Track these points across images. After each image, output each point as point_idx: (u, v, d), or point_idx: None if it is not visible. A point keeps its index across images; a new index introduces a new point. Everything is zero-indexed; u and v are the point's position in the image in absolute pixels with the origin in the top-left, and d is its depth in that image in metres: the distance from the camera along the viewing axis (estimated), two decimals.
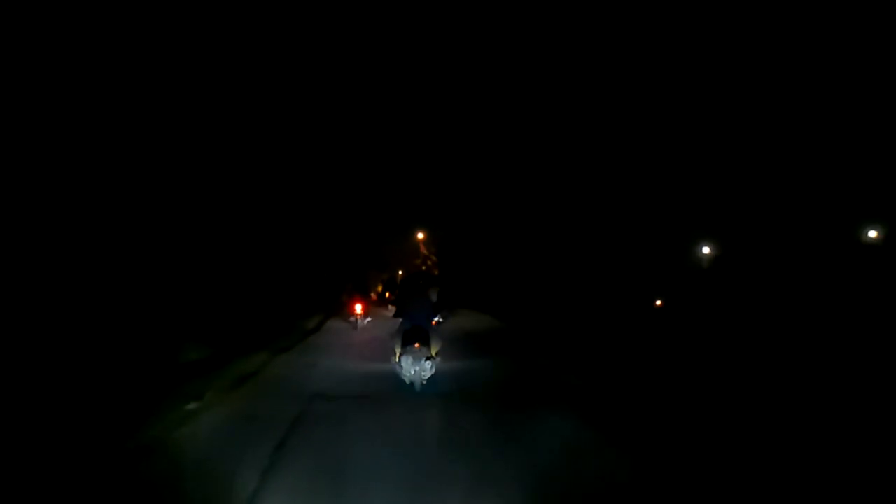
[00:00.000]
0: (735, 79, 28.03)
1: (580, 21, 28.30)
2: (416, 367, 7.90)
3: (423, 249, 40.39)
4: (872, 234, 24.39)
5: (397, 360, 8.26)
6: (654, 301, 20.92)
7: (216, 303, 13.02)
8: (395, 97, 31.34)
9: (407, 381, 8.08)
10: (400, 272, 31.00)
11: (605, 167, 29.47)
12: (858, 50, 25.32)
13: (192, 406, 6.73)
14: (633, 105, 28.97)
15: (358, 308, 15.50)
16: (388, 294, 22.07)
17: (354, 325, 15.42)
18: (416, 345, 8.01)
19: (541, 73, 28.92)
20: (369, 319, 15.88)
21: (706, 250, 35.20)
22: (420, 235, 40.02)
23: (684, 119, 29.15)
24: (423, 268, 38.21)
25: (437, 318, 10.95)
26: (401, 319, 8.65)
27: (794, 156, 28.15)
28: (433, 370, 8.11)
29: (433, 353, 8.24)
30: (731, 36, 27.58)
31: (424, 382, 8.02)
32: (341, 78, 26.70)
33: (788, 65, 27.12)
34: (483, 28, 29.46)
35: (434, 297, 9.42)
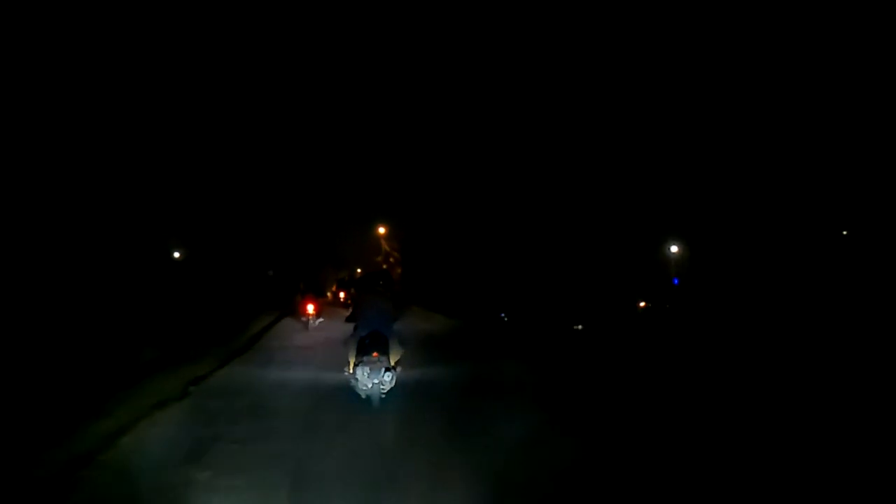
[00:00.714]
0: (704, 83, 28.18)
1: (554, 20, 27.93)
2: (374, 380, 7.04)
3: (385, 245, 38.23)
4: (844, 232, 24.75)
5: (351, 371, 7.40)
6: (638, 302, 20.85)
7: (131, 310, 11.31)
8: (357, 80, 29.99)
9: (363, 396, 7.23)
10: (359, 270, 29.50)
11: (574, 165, 29.15)
12: (827, 55, 25.81)
13: None
14: (601, 104, 28.76)
15: (310, 308, 15.45)
16: (342, 294, 21.03)
17: (306, 326, 15.32)
18: (374, 354, 7.13)
19: (514, 68, 28.30)
20: (322, 319, 15.73)
21: (674, 249, 35.38)
22: (381, 230, 37.42)
23: (651, 119, 29.15)
24: (385, 266, 36.70)
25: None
26: (354, 324, 7.77)
27: (762, 157, 28.52)
28: (393, 382, 7.24)
29: (393, 364, 7.41)
30: (703, 41, 27.71)
31: (383, 396, 7.19)
32: (293, 57, 25.12)
33: (760, 69, 27.43)
34: (456, 17, 28.71)
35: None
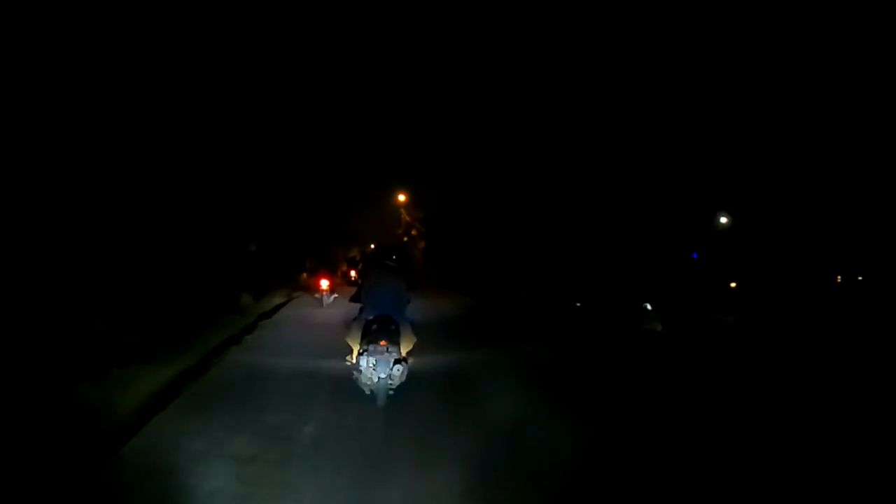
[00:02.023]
0: (751, 58, 26.52)
1: None
2: (381, 374, 6.25)
3: (406, 216, 36.12)
4: None
5: (354, 361, 6.61)
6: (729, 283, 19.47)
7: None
8: (373, 24, 27.70)
9: (366, 391, 6.46)
10: (372, 246, 27.69)
11: (614, 134, 27.61)
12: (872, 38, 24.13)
13: None
14: (645, 75, 27.08)
15: (324, 284, 15.58)
16: (353, 273, 19.95)
17: (321, 303, 15.48)
18: (382, 342, 6.33)
19: (554, 31, 26.37)
20: (336, 296, 15.69)
21: (724, 220, 33.83)
22: (402, 198, 34.61)
23: (699, 89, 27.48)
24: (406, 239, 35.26)
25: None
26: (360, 305, 6.95)
27: (821, 126, 26.89)
28: (404, 377, 6.46)
29: (404, 354, 6.60)
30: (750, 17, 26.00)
31: (391, 392, 6.39)
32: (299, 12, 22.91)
33: (805, 50, 25.72)
34: None
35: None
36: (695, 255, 29.69)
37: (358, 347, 6.56)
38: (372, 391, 6.37)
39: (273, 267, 18.47)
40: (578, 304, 16.75)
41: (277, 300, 16.16)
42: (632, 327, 11.69)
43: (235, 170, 16.56)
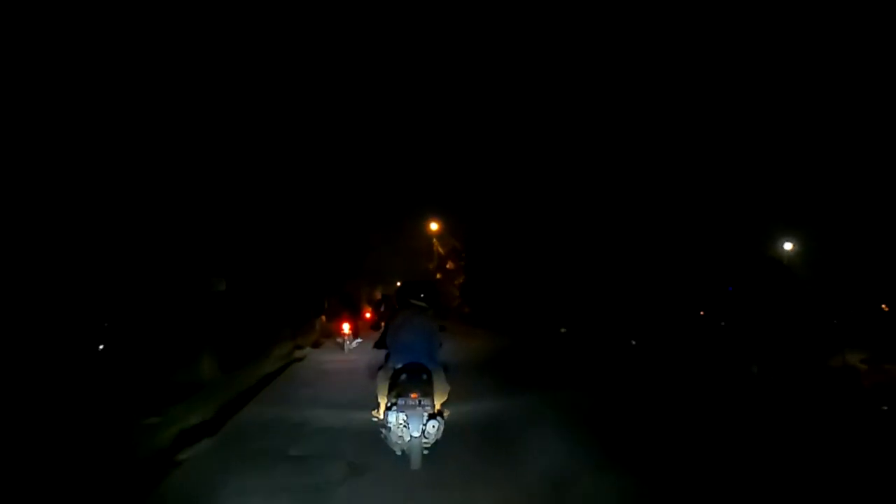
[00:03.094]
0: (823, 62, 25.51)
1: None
2: (414, 431, 5.63)
3: (439, 247, 34.09)
4: None
5: (381, 416, 6.03)
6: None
7: None
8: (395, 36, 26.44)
9: (397, 451, 5.85)
10: (398, 284, 25.90)
11: (669, 147, 26.58)
12: None
13: None
14: (701, 85, 26.16)
15: (346, 327, 15.31)
16: (377, 316, 18.82)
17: (342, 348, 15.17)
18: (413, 394, 5.72)
19: (606, 57, 25.40)
20: (360, 340, 15.41)
21: (788, 246, 32.39)
22: (434, 227, 32.25)
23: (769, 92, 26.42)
24: (439, 275, 33.76)
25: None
26: (386, 352, 6.38)
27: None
28: (440, 433, 5.84)
29: (438, 406, 5.98)
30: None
31: (426, 452, 5.76)
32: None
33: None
34: None
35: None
36: (730, 289, 28.04)
37: (385, 401, 5.99)
38: (404, 451, 5.76)
39: (270, 312, 16.05)
40: (633, 343, 15.80)
41: (267, 367, 11.21)
42: (710, 371, 10.62)
43: (213, 188, 14.11)
